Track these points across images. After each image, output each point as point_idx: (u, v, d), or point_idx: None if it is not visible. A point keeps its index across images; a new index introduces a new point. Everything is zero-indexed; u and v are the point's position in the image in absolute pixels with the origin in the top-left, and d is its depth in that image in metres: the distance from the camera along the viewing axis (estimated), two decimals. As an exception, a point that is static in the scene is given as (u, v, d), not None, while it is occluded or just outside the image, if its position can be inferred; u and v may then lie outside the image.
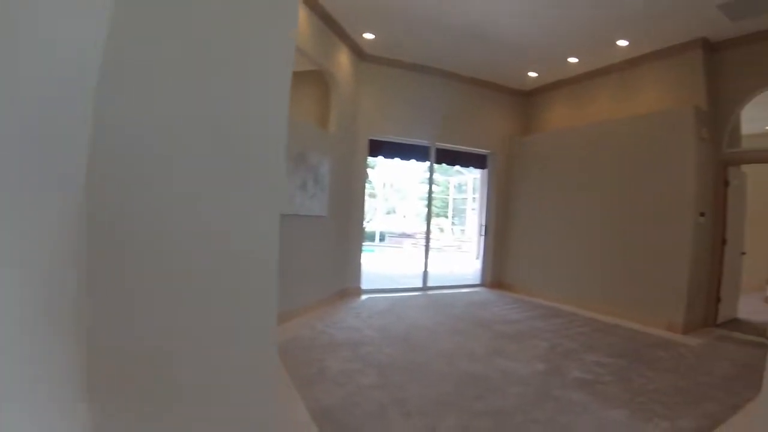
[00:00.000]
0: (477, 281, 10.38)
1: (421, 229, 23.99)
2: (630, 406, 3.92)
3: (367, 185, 23.25)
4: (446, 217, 25.04)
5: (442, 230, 24.42)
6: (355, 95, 8.22)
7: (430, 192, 9.59)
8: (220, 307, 1.95)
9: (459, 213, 24.65)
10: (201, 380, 1.90)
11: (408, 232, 23.49)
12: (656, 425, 3.57)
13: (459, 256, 18.65)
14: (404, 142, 9.03)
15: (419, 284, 9.52)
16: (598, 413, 3.76)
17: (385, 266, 14.16)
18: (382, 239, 22.89)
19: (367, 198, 23.17)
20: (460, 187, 24.27)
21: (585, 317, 7.42)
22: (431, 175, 9.48)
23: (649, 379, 4.61)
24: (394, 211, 25.64)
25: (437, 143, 9.24)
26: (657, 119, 7.09)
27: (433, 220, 24.77)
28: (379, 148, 8.80)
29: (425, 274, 9.52)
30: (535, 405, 3.89)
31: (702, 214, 6.67)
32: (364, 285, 8.87)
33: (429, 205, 9.73)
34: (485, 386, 4.28)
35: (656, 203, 6.98)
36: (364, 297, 8.34)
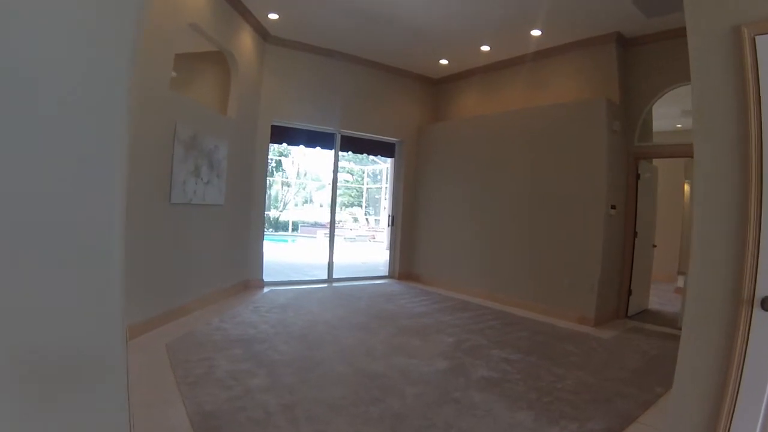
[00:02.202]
0: (386, 273, 10.21)
1: (336, 218, 23.78)
2: (536, 407, 3.78)
3: (281, 174, 22.91)
4: (360, 206, 24.93)
5: (356, 220, 24.29)
6: (258, 78, 7.80)
7: (335, 180, 9.30)
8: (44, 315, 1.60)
9: (374, 203, 24.60)
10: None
11: (322, 221, 23.16)
12: (563, 428, 3.44)
13: (372, 247, 18.53)
14: (309, 128, 8.70)
15: (325, 276, 9.24)
16: (501, 416, 3.60)
17: (295, 257, 13.79)
18: (295, 229, 22.47)
19: (280, 187, 22.91)
20: (374, 177, 24.20)
21: (495, 310, 7.34)
22: (336, 162, 9.20)
23: (558, 377, 4.52)
24: (311, 201, 25.28)
25: (343, 130, 8.98)
26: (569, 110, 7.09)
27: (347, 210, 24.67)
28: (283, 134, 8.44)
29: (330, 265, 9.26)
30: (434, 408, 3.70)
31: (613, 207, 6.71)
32: (270, 277, 8.55)
33: (334, 194, 9.42)
34: (383, 387, 4.06)
35: (568, 194, 6.99)
36: (266, 290, 7.99)
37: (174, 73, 6.11)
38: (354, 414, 3.50)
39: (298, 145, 9.11)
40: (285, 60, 8.14)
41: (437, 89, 10.18)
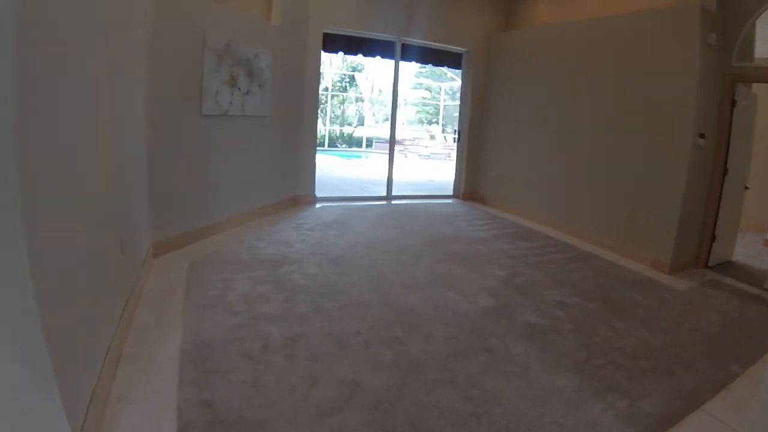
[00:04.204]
0: (451, 192, 9.64)
1: (412, 135, 23.22)
2: (583, 371, 3.12)
3: (354, 89, 22.39)
4: (437, 123, 24.18)
5: (432, 137, 23.59)
6: (307, -19, 7.10)
7: (395, 92, 8.60)
8: None
9: (451, 120, 23.77)
10: None
11: (397, 138, 22.57)
12: (609, 405, 2.76)
13: (446, 165, 17.94)
14: (366, 36, 8.00)
15: (385, 193, 8.81)
16: (538, 378, 2.99)
17: (362, 173, 13.38)
18: (369, 145, 22.04)
19: (354, 102, 22.41)
20: (453, 94, 23.28)
21: (561, 242, 6.63)
22: (396, 72, 8.48)
23: (618, 333, 3.80)
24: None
25: (404, 38, 8.20)
26: (656, 18, 5.93)
27: (424, 127, 23.99)
28: (337, 42, 7.80)
29: (390, 182, 8.77)
30: (461, 358, 3.16)
31: (702, 136, 5.64)
32: (327, 192, 8.24)
33: (394, 106, 8.77)
34: (408, 325, 3.59)
35: (651, 118, 5.97)
36: (317, 206, 7.63)
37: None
38: (363, 356, 3.06)
39: (355, 54, 8.48)
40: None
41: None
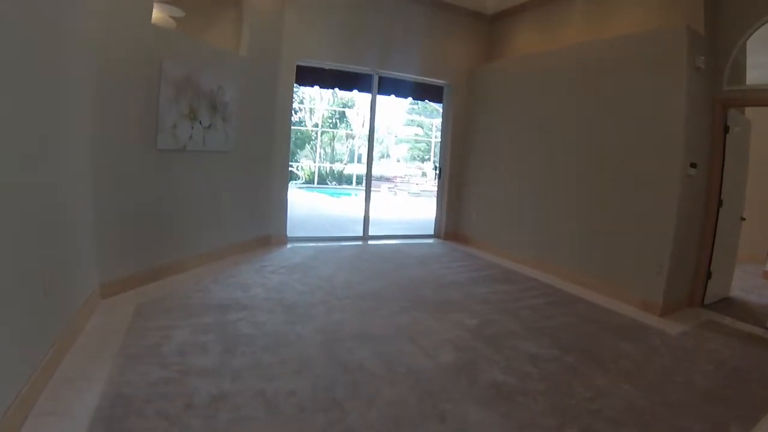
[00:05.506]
0: (432, 232, 9.33)
1: (403, 172, 23.12)
2: None
3: (345, 126, 22.37)
4: (429, 161, 24.11)
5: (424, 174, 23.49)
6: (279, 12, 6.92)
7: (372, 125, 8.38)
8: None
9: (443, 157, 23.74)
10: None
11: (387, 175, 22.47)
12: None
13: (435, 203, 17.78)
14: (343, 68, 7.81)
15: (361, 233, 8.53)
16: None
17: (348, 211, 13.08)
18: (359, 182, 21.91)
19: (345, 139, 22.36)
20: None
21: (544, 285, 6.27)
22: (373, 107, 8.26)
23: (598, 392, 3.36)
24: (388, 155, 24.57)
25: (381, 71, 8.02)
26: (641, 42, 5.71)
27: (416, 164, 23.93)
28: (312, 76, 7.61)
29: (366, 221, 8.48)
30: (406, 427, 2.76)
31: (693, 165, 5.34)
32: (302, 232, 8.02)
33: (370, 143, 8.53)
34: (352, 385, 3.21)
35: (638, 148, 5.69)
36: (288, 246, 7.34)
37: (182, 13, 5.48)
38: (291, 421, 2.71)
39: (331, 88, 8.33)
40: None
41: (489, 27, 8.92)
